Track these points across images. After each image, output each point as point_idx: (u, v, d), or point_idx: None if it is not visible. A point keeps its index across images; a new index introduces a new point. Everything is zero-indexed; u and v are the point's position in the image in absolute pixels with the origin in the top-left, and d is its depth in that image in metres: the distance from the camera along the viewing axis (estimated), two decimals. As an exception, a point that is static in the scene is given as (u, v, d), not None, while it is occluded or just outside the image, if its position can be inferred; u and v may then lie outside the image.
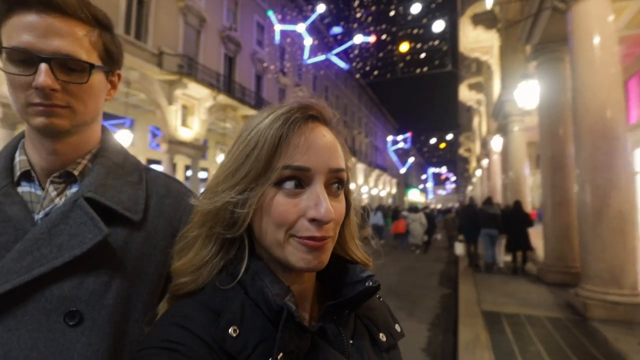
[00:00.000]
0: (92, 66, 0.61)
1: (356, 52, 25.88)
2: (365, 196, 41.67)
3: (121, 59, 0.71)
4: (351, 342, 0.49)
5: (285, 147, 0.43)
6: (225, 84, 17.22)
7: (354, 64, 29.89)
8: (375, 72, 30.22)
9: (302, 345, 0.43)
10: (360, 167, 37.86)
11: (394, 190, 56.83)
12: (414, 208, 13.43)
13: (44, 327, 0.54)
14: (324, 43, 26.95)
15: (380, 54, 26.33)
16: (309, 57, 25.02)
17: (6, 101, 9.42)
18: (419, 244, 12.49)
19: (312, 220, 0.43)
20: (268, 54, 21.39)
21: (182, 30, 15.31)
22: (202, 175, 18.17)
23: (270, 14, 21.13)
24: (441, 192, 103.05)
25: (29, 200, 0.62)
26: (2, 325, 0.52)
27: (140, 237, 0.65)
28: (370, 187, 41.86)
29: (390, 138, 53.68)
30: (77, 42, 0.60)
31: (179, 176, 16.86)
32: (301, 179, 0.44)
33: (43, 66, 0.56)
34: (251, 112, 17.95)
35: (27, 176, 0.63)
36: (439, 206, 49.60)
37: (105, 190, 0.63)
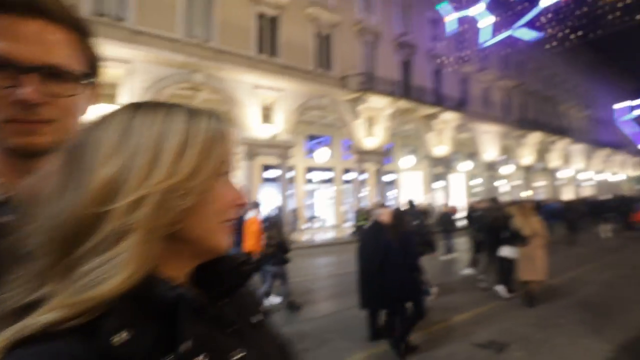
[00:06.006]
0: (84, 76, 0.56)
1: (549, 15, 21.14)
2: (590, 183, 33.29)
3: (100, 67, 0.61)
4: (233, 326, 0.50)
5: None
6: (403, 89, 17.87)
7: (549, 29, 24.72)
8: (572, 35, 23.84)
9: (202, 330, 0.41)
10: (577, 149, 30.64)
11: (638, 172, 42.75)
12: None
13: None
14: (508, 17, 23.79)
15: (578, 12, 20.43)
16: (490, 38, 22.64)
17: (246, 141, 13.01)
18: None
19: None
20: (446, 47, 20.83)
21: (360, 50, 17.08)
22: (388, 178, 19.27)
23: (440, 7, 20.54)
24: None
25: None
26: None
27: None
28: (596, 172, 33.21)
29: (619, 105, 41.01)
30: (65, 50, 0.53)
31: (371, 181, 18.50)
32: None
33: (27, 78, 0.49)
34: (430, 110, 17.91)
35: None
36: None
37: None
